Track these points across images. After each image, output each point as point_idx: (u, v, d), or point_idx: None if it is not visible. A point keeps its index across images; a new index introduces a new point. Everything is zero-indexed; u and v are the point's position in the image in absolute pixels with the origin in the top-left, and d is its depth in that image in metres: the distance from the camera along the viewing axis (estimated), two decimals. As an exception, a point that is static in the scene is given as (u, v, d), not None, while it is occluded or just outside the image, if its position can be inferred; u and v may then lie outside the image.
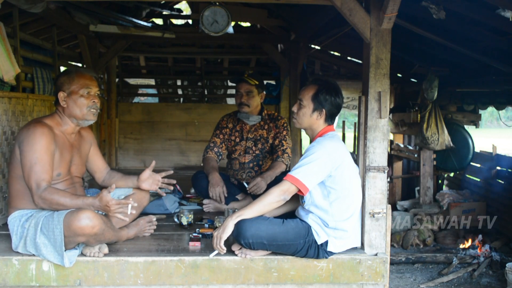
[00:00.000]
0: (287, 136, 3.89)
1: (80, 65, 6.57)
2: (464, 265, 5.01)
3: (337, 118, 2.82)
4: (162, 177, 2.97)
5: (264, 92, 3.96)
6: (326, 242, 2.59)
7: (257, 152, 3.91)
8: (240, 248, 2.59)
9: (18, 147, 2.58)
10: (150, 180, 2.94)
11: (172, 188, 3.04)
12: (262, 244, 2.51)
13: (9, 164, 2.68)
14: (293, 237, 2.54)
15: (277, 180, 3.30)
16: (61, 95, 2.70)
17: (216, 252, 2.57)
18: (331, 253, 2.63)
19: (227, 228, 2.49)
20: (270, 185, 3.35)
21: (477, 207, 5.89)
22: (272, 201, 2.52)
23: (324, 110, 2.65)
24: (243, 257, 2.58)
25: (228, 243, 2.62)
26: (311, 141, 2.79)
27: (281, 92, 6.92)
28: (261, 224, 2.52)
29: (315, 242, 2.58)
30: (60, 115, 2.74)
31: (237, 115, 3.93)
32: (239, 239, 2.50)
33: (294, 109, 2.74)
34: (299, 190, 2.53)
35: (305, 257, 2.60)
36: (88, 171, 3.04)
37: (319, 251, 2.59)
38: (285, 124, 3.92)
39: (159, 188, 2.98)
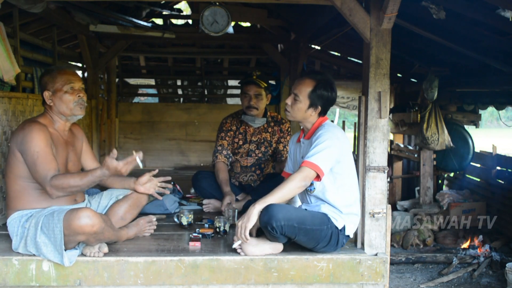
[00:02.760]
0: None
1: (80, 65, 6.58)
2: (464, 265, 5.01)
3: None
4: (160, 181, 2.98)
5: (270, 94, 3.88)
6: (344, 227, 2.65)
7: (260, 155, 3.88)
8: (241, 244, 2.58)
9: (17, 149, 2.59)
10: (148, 184, 2.95)
11: (168, 192, 3.05)
12: (292, 227, 2.47)
13: (6, 166, 2.69)
14: (319, 222, 2.57)
15: (278, 180, 3.20)
16: (46, 94, 2.71)
17: (239, 242, 2.55)
18: (349, 237, 2.71)
19: (252, 217, 2.47)
20: (271, 185, 3.28)
21: (477, 207, 5.89)
22: (294, 187, 2.54)
23: (319, 106, 2.70)
24: (240, 253, 2.58)
25: (228, 242, 2.63)
26: (302, 131, 2.85)
27: (281, 92, 6.93)
28: (290, 207, 2.58)
29: (336, 228, 2.62)
30: (49, 113, 2.75)
31: (239, 116, 3.88)
32: (271, 221, 2.43)
33: (288, 101, 2.74)
34: (317, 176, 2.55)
35: (327, 247, 2.60)
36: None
37: (339, 236, 2.63)
38: (289, 129, 3.91)
39: (157, 193, 2.99)
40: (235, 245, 2.57)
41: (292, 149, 2.95)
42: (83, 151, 2.97)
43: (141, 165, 2.50)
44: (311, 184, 2.64)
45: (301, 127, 2.85)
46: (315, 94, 2.67)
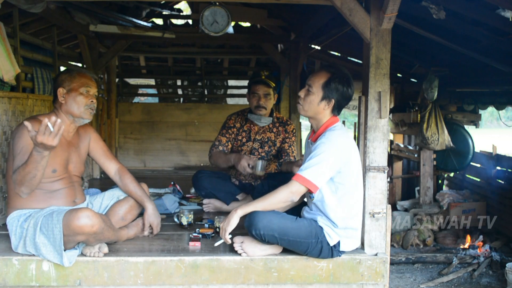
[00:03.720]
0: (295, 143, 3.90)
1: (80, 65, 6.58)
2: (464, 265, 5.01)
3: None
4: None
5: (277, 94, 3.89)
6: (339, 243, 2.59)
7: (263, 154, 3.87)
8: (242, 242, 2.59)
9: (11, 143, 2.60)
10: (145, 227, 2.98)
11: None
12: (273, 237, 2.47)
13: (6, 163, 2.69)
14: (305, 235, 2.51)
15: (279, 179, 3.22)
16: (60, 91, 2.73)
17: (221, 241, 2.59)
18: (344, 252, 2.65)
19: (232, 221, 2.48)
20: (271, 184, 3.29)
21: (477, 207, 5.90)
22: (279, 201, 2.50)
23: (333, 100, 2.57)
24: (241, 254, 2.58)
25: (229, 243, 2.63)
26: (313, 131, 2.72)
27: (281, 92, 6.92)
28: (274, 217, 2.49)
29: (328, 244, 2.56)
30: (56, 112, 2.76)
31: (245, 114, 3.89)
32: (251, 229, 2.46)
33: (301, 94, 2.63)
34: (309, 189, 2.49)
35: (319, 258, 2.58)
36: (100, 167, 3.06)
37: (332, 252, 2.58)
38: (294, 130, 3.91)
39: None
40: (217, 243, 2.63)
41: (305, 149, 2.87)
42: (93, 150, 2.95)
43: (51, 129, 2.26)
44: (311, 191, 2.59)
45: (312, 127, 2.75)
46: (330, 87, 2.54)
